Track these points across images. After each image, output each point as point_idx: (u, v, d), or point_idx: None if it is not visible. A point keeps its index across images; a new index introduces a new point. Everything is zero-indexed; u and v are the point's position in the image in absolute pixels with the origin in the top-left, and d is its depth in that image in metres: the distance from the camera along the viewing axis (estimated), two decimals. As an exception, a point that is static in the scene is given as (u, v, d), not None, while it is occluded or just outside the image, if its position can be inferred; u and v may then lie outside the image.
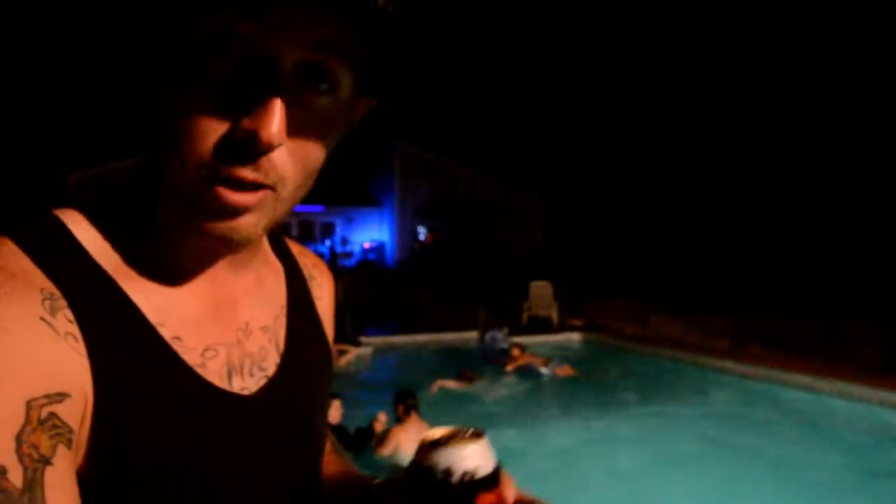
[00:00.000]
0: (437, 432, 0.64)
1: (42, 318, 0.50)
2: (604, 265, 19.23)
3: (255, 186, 0.53)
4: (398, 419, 5.60)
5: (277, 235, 0.81)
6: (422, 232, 24.74)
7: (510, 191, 24.95)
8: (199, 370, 0.61)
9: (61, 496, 0.48)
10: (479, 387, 7.86)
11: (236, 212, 0.54)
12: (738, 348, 9.53)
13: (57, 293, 0.53)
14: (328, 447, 0.86)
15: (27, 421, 0.47)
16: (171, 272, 0.62)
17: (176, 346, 0.60)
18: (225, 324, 0.66)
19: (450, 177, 24.70)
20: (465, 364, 8.61)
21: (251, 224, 0.56)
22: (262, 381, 0.67)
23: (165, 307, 0.61)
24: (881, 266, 15.77)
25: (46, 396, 0.49)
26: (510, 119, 26.01)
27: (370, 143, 24.11)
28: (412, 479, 0.63)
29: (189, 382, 0.60)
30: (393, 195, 24.87)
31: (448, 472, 0.60)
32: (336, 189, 22.56)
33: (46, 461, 0.48)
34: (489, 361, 9.35)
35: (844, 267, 16.50)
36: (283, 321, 0.73)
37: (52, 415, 0.49)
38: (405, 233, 24.69)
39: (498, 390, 7.95)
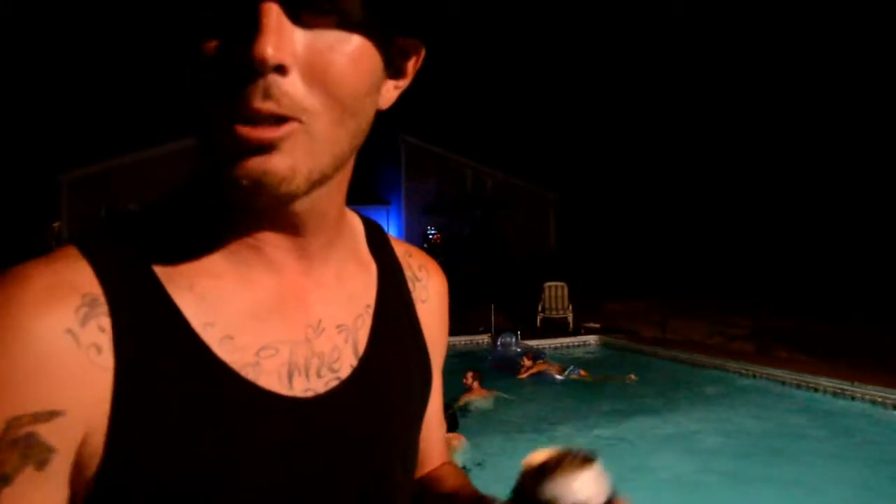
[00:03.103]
0: (542, 455, 0.60)
1: (68, 330, 0.52)
2: (620, 265, 19.05)
3: (275, 120, 0.51)
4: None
5: (379, 234, 0.80)
6: (431, 231, 24.54)
7: (522, 187, 24.70)
8: (248, 371, 0.59)
9: None
10: (494, 395, 7.62)
11: (262, 149, 0.51)
12: (762, 351, 9.35)
13: (101, 299, 0.54)
14: (448, 462, 0.91)
15: (2, 437, 0.49)
16: (230, 266, 0.61)
17: (223, 347, 0.58)
18: (291, 320, 0.63)
19: (459, 173, 24.49)
20: (479, 369, 8.30)
21: (284, 167, 0.52)
22: (333, 383, 0.65)
23: (219, 304, 0.59)
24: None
25: (34, 415, 0.50)
26: (523, 114, 25.80)
27: (376, 139, 23.88)
28: None
29: (230, 386, 0.58)
30: (400, 193, 24.69)
31: None
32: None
33: (6, 480, 0.50)
34: (501, 370, 9.08)
35: (872, 268, 16.34)
36: (366, 321, 0.70)
37: (31, 434, 0.50)
38: (413, 232, 24.47)
39: (513, 397, 7.75)
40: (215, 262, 0.61)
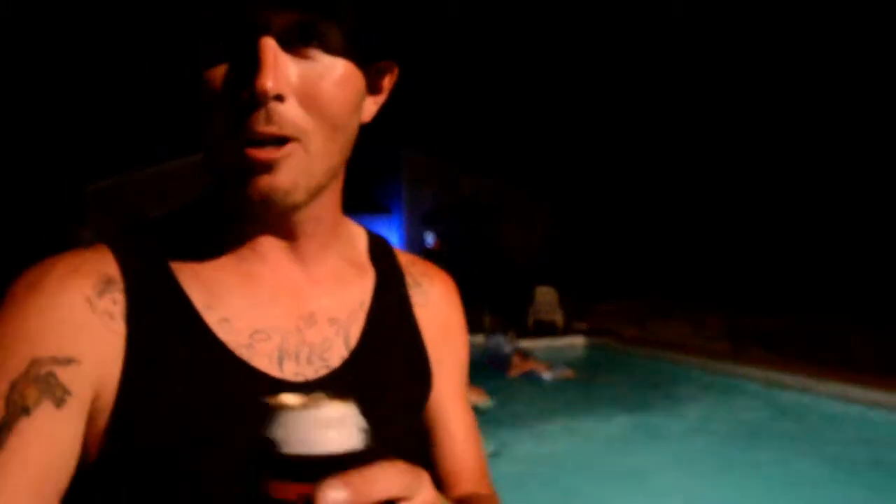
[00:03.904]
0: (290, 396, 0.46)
1: (87, 297, 0.59)
2: (608, 269, 19.17)
3: (276, 141, 0.57)
4: None
5: (382, 245, 0.82)
6: (429, 238, 24.77)
7: (515, 195, 24.91)
8: (242, 351, 0.63)
9: (25, 445, 0.54)
10: (483, 392, 7.65)
11: (267, 168, 0.57)
12: (737, 350, 9.48)
13: (117, 280, 0.61)
14: (482, 495, 0.80)
15: (25, 374, 0.55)
16: (232, 262, 0.67)
17: (221, 328, 0.63)
18: (284, 311, 0.67)
19: (456, 182, 24.66)
20: (473, 368, 8.52)
21: (287, 182, 0.58)
22: (323, 372, 0.67)
23: (219, 291, 0.65)
24: (879, 267, 15.61)
25: (53, 358, 0.56)
26: (516, 124, 26.04)
27: (377, 151, 24.18)
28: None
29: (225, 363, 0.62)
30: (401, 202, 24.86)
31: (265, 442, 0.42)
32: (344, 198, 22.58)
33: (26, 412, 0.54)
34: (492, 367, 9.28)
35: (842, 268, 16.36)
36: (360, 317, 0.72)
37: (51, 374, 0.55)
38: (414, 240, 24.70)
39: (501, 396, 7.78)
40: (219, 259, 0.66)
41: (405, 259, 0.83)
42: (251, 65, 0.55)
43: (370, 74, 0.66)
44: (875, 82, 19.50)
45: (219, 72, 0.57)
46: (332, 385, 0.65)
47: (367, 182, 25.16)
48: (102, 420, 0.58)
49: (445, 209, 23.84)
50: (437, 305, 0.82)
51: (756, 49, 22.19)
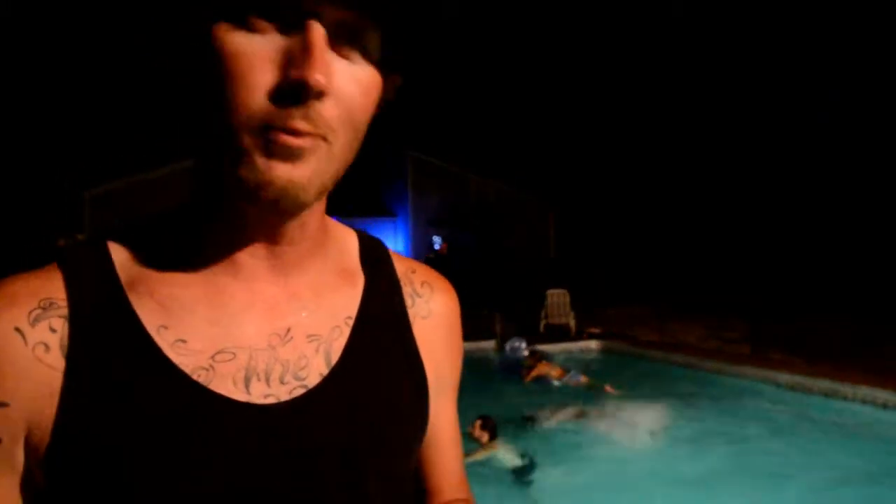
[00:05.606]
0: None
1: (17, 328, 0.56)
2: (620, 271, 19.12)
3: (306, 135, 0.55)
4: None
5: (376, 250, 0.78)
6: (437, 242, 24.74)
7: (523, 198, 24.88)
8: (199, 374, 0.59)
9: None
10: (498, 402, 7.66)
11: (291, 156, 0.54)
12: (758, 353, 9.37)
13: (60, 304, 0.58)
14: (460, 500, 0.80)
15: None
16: (198, 275, 0.62)
17: (175, 350, 0.59)
18: (255, 327, 0.63)
19: (462, 184, 24.70)
20: (484, 373, 8.41)
21: (306, 176, 0.55)
22: (299, 391, 0.63)
23: (177, 309, 0.61)
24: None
25: None
26: (523, 126, 26.04)
27: (382, 153, 24.17)
28: None
29: (177, 388, 0.58)
30: (406, 205, 24.91)
31: None
32: (349, 200, 22.65)
33: None
34: (508, 372, 9.17)
35: (866, 267, 16.23)
36: (344, 332, 0.68)
37: None
38: (420, 243, 24.68)
39: (516, 401, 7.81)
40: (185, 273, 0.62)
41: (404, 266, 0.79)
42: (295, 50, 0.52)
43: (386, 85, 0.63)
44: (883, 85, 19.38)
45: (259, 49, 0.53)
46: (310, 405, 0.62)
47: (371, 185, 25.16)
48: (38, 456, 0.55)
49: (452, 213, 23.79)
50: (439, 318, 0.78)
51: (763, 49, 22.09)
